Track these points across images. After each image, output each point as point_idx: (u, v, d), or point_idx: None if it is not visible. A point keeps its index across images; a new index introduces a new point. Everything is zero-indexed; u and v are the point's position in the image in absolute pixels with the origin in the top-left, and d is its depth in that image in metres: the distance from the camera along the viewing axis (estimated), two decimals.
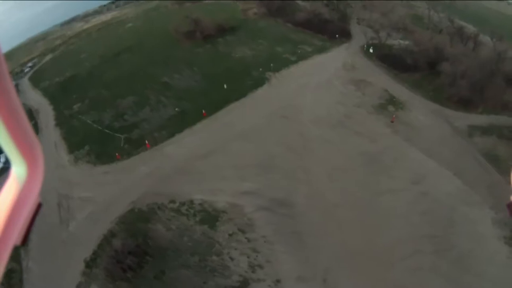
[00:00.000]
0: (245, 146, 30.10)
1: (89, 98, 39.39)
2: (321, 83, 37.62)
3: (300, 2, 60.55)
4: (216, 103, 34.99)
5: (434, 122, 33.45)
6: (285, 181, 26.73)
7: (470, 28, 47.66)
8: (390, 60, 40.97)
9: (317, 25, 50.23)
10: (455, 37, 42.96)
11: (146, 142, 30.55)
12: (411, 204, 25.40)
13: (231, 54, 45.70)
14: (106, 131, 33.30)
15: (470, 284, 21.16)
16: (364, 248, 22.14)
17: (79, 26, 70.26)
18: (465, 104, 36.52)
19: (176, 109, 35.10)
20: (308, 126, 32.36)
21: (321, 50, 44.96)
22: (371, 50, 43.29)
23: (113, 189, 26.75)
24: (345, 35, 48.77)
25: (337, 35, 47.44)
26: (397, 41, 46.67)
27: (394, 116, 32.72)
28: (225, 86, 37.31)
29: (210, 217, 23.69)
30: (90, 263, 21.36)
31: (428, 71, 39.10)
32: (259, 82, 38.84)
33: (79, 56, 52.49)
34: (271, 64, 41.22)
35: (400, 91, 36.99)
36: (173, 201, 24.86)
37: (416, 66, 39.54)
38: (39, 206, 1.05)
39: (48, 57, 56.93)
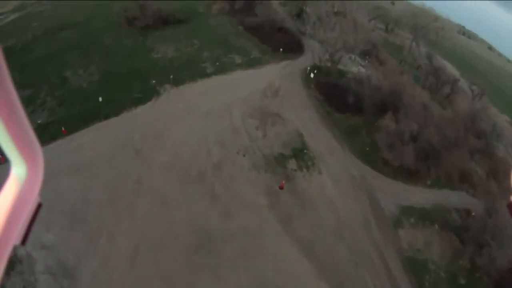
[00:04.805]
0: (72, 185, 22.13)
1: None
2: (214, 110, 26.90)
3: (275, 2, 50.93)
4: (85, 118, 27.43)
5: (349, 197, 22.36)
6: (84, 245, 19.61)
7: (452, 71, 36.86)
8: (330, 91, 29.85)
9: (268, 33, 39.91)
10: (430, 77, 31.56)
11: None
12: None
13: (151, 53, 37.68)
14: None
15: None
16: None
17: None
18: (409, 173, 25.18)
19: (39, 121, 28.05)
20: (154, 171, 21.93)
21: (252, 64, 34.55)
22: (312, 75, 32.30)
23: None
24: (296, 50, 38.13)
25: (281, 49, 36.63)
26: (357, 68, 35.61)
27: (283, 182, 21.72)
28: (100, 99, 29.52)
29: (9, 263, 16.69)
30: None
31: (375, 116, 27.90)
32: (146, 97, 29.63)
33: (31, 24, 44.63)
34: (171, 76, 31.80)
35: (322, 138, 25.99)
36: None
37: (360, 107, 28.37)
38: (39, 206, 1.04)
39: (14, 16, 47.29)
